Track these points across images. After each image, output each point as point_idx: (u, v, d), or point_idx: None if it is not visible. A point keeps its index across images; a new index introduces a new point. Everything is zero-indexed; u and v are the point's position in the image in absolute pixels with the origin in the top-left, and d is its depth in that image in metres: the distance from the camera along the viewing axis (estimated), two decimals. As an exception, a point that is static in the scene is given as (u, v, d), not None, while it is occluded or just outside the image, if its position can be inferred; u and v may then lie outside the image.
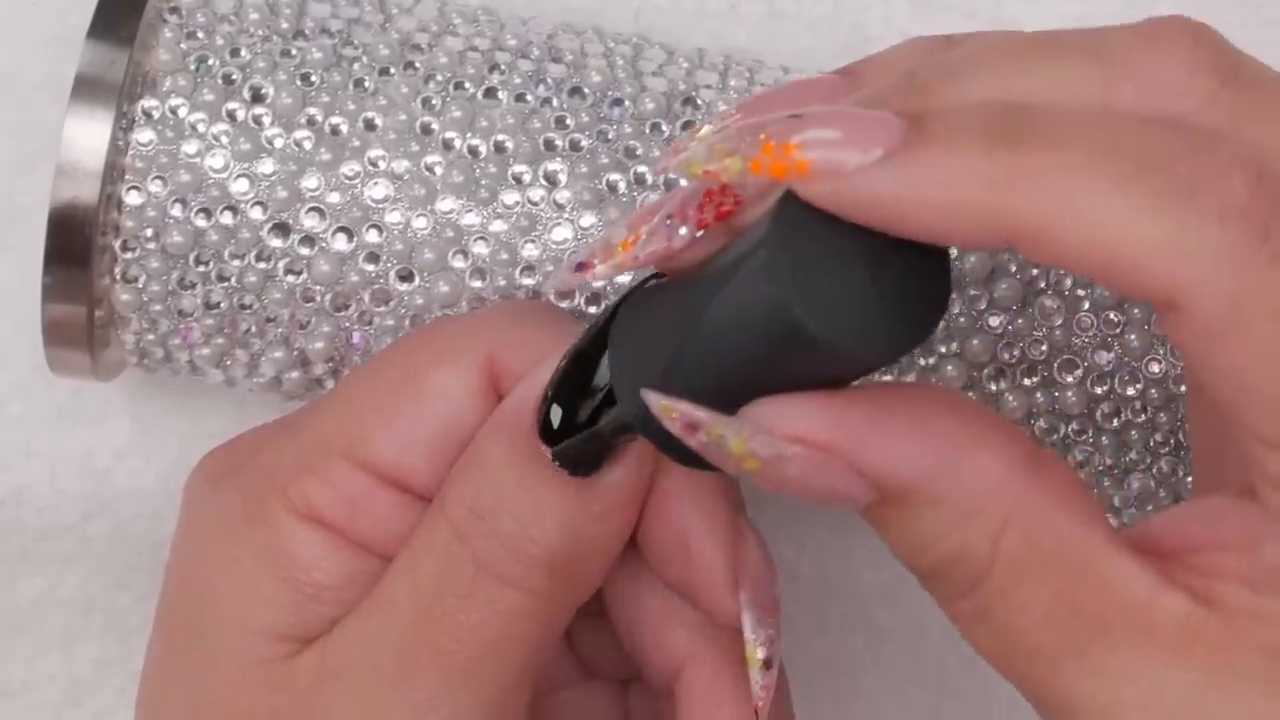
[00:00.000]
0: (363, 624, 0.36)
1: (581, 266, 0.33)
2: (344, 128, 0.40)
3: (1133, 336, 0.41)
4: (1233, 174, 0.28)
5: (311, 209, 0.40)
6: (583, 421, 0.35)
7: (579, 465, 0.36)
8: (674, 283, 0.32)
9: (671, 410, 0.30)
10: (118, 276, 0.40)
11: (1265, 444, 0.28)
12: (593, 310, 0.40)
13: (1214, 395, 0.29)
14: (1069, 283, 0.41)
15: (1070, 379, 0.41)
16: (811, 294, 0.28)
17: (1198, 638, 0.29)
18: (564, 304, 0.40)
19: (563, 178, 0.40)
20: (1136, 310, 0.41)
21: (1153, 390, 0.41)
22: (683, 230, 0.31)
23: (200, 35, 0.41)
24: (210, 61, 0.40)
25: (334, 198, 0.40)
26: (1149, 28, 0.30)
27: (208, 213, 0.40)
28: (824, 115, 0.29)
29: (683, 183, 0.39)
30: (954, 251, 0.31)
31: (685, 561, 0.37)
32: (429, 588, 0.36)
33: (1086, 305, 0.41)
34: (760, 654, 0.37)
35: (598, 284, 0.40)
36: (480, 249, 0.40)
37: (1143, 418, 0.41)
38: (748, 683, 0.37)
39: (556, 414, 0.35)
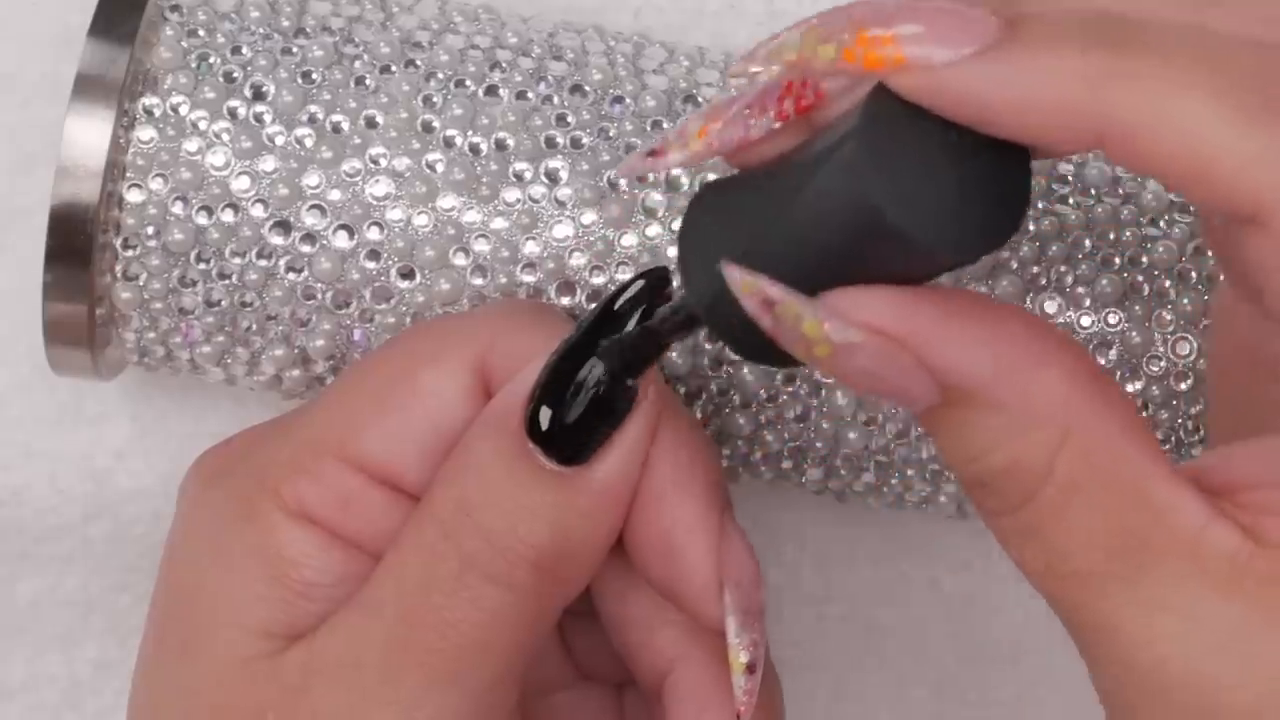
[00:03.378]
0: (350, 621, 0.36)
1: (654, 154, 0.32)
2: (345, 125, 0.40)
3: (1134, 334, 0.41)
4: None
5: (313, 206, 0.40)
6: (580, 419, 0.35)
7: (624, 368, 0.35)
8: (750, 174, 0.32)
9: (751, 285, 0.29)
10: (119, 274, 0.40)
11: None
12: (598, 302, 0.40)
13: None
14: (1070, 280, 0.41)
15: (1071, 376, 0.41)
16: (899, 188, 0.28)
17: (1245, 572, 0.28)
18: (564, 301, 0.40)
19: (564, 175, 0.40)
20: (1137, 308, 0.41)
21: (1154, 388, 0.41)
22: (761, 121, 0.31)
23: (201, 33, 0.41)
24: (211, 59, 0.40)
25: (335, 195, 0.40)
26: None
27: (209, 210, 0.40)
28: (919, 9, 0.29)
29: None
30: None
31: (669, 564, 0.37)
32: (415, 585, 0.36)
33: (1087, 303, 0.41)
34: (743, 658, 0.37)
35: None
36: (481, 246, 0.40)
37: (1143, 416, 0.41)
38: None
39: (545, 414, 0.35)
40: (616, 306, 0.36)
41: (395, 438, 0.37)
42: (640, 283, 0.36)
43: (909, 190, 0.28)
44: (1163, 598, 0.29)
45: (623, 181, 0.40)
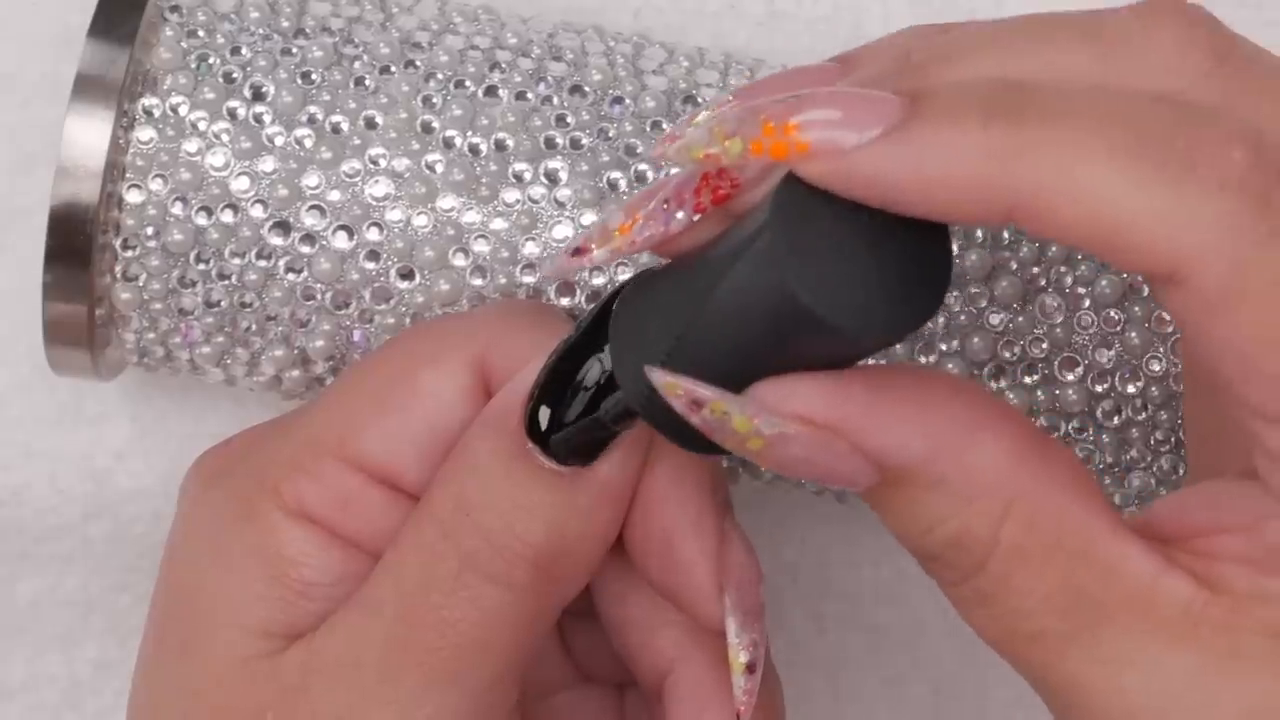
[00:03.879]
0: (349, 621, 0.36)
1: (579, 252, 0.33)
2: (345, 126, 0.40)
3: (1133, 334, 0.41)
4: (1231, 146, 0.28)
5: (312, 207, 0.40)
6: (574, 418, 0.35)
7: (573, 455, 0.36)
8: (675, 267, 0.32)
9: (676, 387, 0.30)
10: (118, 275, 0.40)
11: (1265, 419, 0.28)
12: (597, 281, 0.40)
13: (1213, 370, 0.29)
14: (1069, 280, 0.41)
15: (1071, 377, 0.41)
16: (815, 276, 0.28)
17: (1201, 620, 0.29)
18: (564, 301, 0.40)
19: (563, 176, 0.40)
20: (1137, 308, 0.41)
21: (1153, 388, 0.41)
22: (679, 215, 0.31)
23: (201, 34, 0.41)
24: (211, 60, 0.40)
25: (335, 196, 0.40)
26: (1143, 8, 0.30)
27: (208, 211, 0.40)
28: (823, 95, 0.29)
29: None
30: (954, 246, 0.31)
31: (669, 564, 0.37)
32: (414, 584, 0.36)
33: (1087, 303, 0.41)
34: (743, 658, 0.36)
35: (594, 269, 0.40)
36: (481, 247, 0.40)
37: (1143, 415, 0.41)
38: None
39: (544, 414, 0.36)
40: (615, 306, 0.36)
41: (394, 438, 0.37)
42: (633, 277, 0.36)
43: (825, 277, 0.28)
44: (1123, 653, 0.29)
45: (622, 182, 0.40)
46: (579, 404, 0.35)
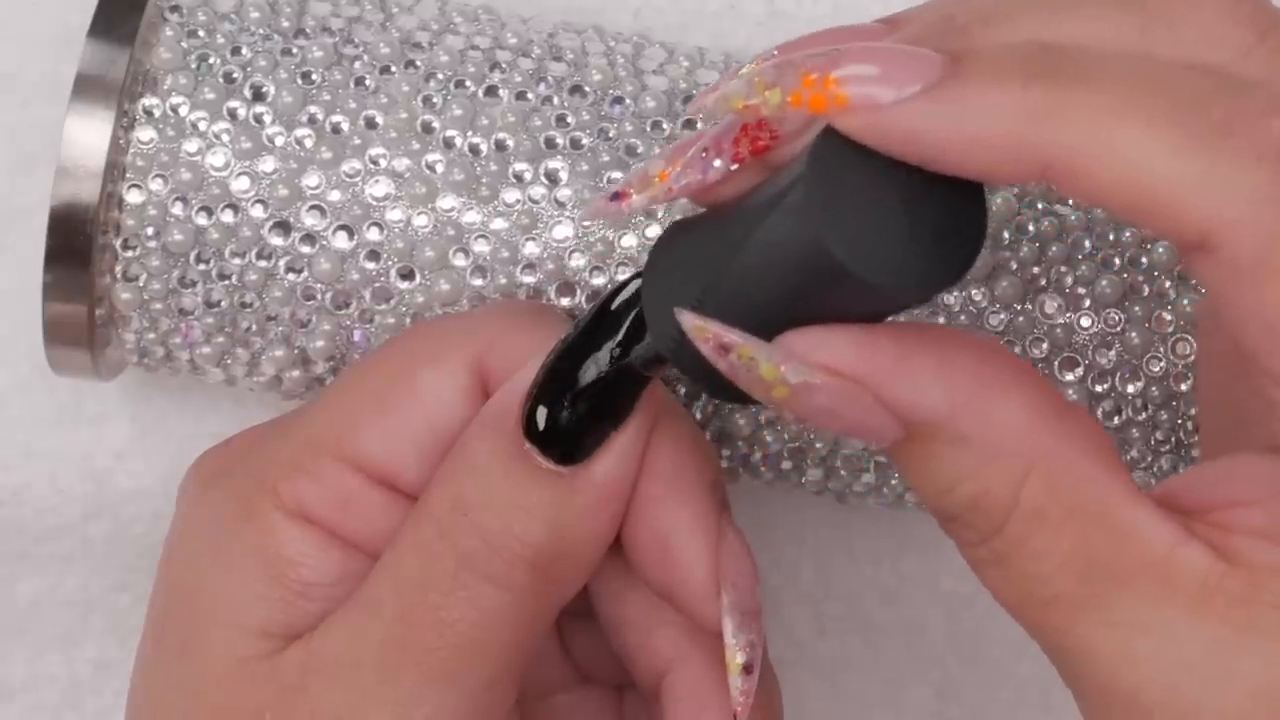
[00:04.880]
0: (347, 621, 0.36)
1: (617, 196, 0.33)
2: (345, 126, 0.40)
3: (1133, 334, 0.41)
4: (1270, 118, 0.28)
5: (312, 207, 0.40)
6: (579, 418, 0.35)
7: (588, 420, 0.36)
8: (711, 216, 0.32)
9: (705, 331, 0.30)
10: (118, 275, 0.40)
11: None
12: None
13: (1239, 340, 0.29)
14: (1070, 280, 0.41)
15: (1071, 377, 0.41)
16: (849, 230, 0.28)
17: (1217, 592, 0.29)
18: (564, 301, 0.40)
19: (564, 176, 0.40)
20: (1137, 309, 0.41)
21: (1153, 388, 0.41)
22: (717, 163, 0.31)
23: (201, 34, 0.41)
24: (211, 60, 0.40)
25: (335, 196, 0.40)
26: None
27: (209, 211, 0.40)
28: (863, 50, 0.29)
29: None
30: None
31: (666, 564, 0.37)
32: (412, 584, 0.36)
33: (1087, 304, 0.41)
34: (740, 659, 0.36)
35: (592, 271, 0.40)
36: (481, 247, 0.40)
37: (1144, 416, 0.41)
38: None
39: (542, 414, 0.36)
40: (613, 306, 0.36)
41: (393, 438, 0.37)
42: (637, 282, 0.36)
43: (858, 232, 0.28)
44: (1137, 620, 0.29)
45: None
46: (581, 402, 0.36)
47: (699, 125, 0.41)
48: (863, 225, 0.29)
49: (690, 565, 0.37)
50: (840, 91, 0.29)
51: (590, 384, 0.35)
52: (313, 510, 0.37)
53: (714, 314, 0.30)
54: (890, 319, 0.31)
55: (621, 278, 0.40)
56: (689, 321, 0.30)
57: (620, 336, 0.35)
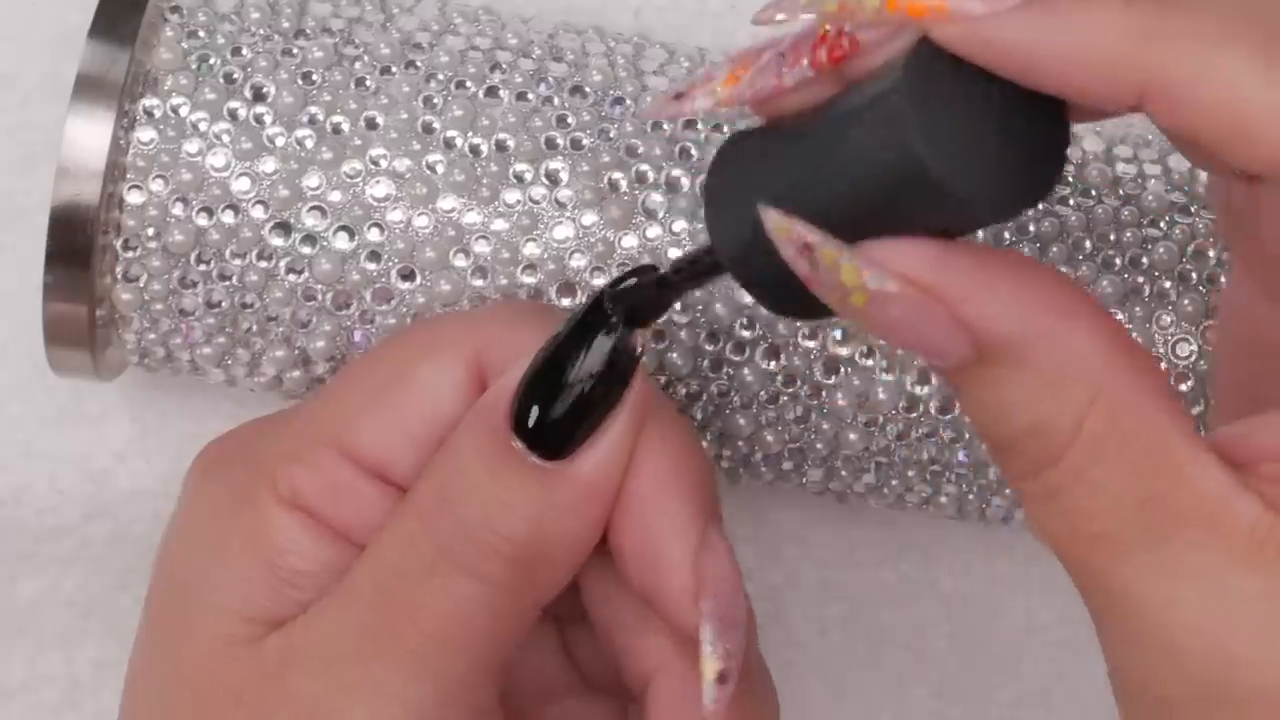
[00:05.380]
0: (327, 610, 0.37)
1: (680, 96, 0.32)
2: (345, 126, 0.40)
3: (1135, 336, 0.41)
4: None
5: (313, 208, 0.40)
6: (569, 411, 0.35)
7: (631, 316, 0.35)
8: (782, 124, 0.32)
9: (789, 229, 0.29)
10: (119, 276, 0.40)
11: None
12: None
13: None
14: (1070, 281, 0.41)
15: (1071, 378, 0.41)
16: (943, 142, 0.28)
17: (1266, 543, 0.28)
18: (565, 301, 0.40)
19: (564, 176, 0.40)
20: (1138, 309, 0.41)
21: (1154, 389, 0.41)
22: (798, 70, 0.31)
23: (201, 34, 0.41)
24: (211, 60, 0.40)
25: (335, 196, 0.40)
26: None
27: (209, 211, 0.40)
28: None
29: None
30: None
31: (649, 566, 0.37)
32: (390, 573, 0.36)
33: (1088, 304, 0.41)
34: (715, 666, 0.36)
35: (593, 271, 0.40)
36: (482, 248, 0.40)
37: (1172, 384, 0.41)
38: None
39: (530, 409, 0.36)
40: (606, 304, 0.36)
41: (388, 429, 0.38)
42: (631, 280, 0.36)
43: (952, 145, 0.28)
44: (1184, 564, 0.29)
45: (623, 183, 0.40)
46: (566, 400, 0.35)
47: (699, 127, 0.41)
48: (957, 139, 0.28)
49: (671, 568, 0.36)
50: (940, 1, 0.28)
51: (579, 379, 0.35)
52: (307, 499, 0.37)
53: (793, 213, 0.30)
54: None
55: (618, 274, 0.40)
56: (774, 219, 0.29)
57: (617, 334, 0.35)
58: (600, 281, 0.40)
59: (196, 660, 0.37)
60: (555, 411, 0.35)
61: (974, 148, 0.29)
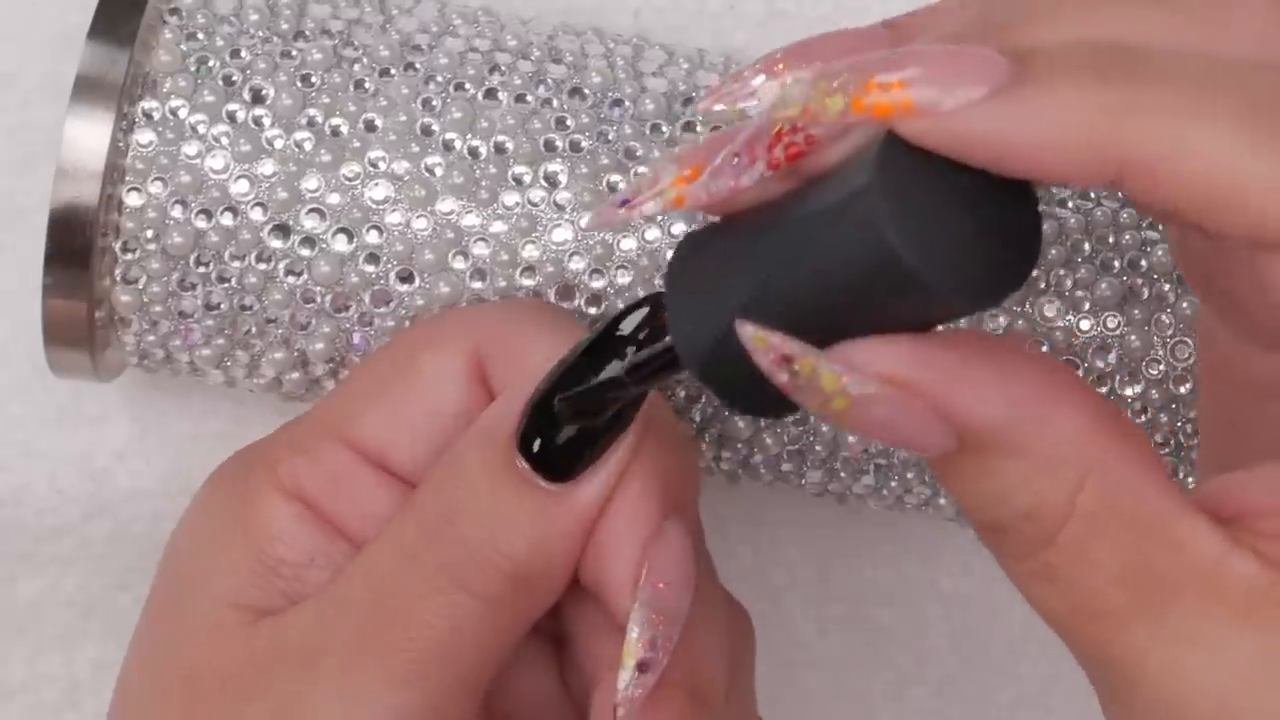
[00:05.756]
0: (322, 609, 0.37)
1: (625, 203, 0.32)
2: (344, 129, 0.40)
3: (1133, 337, 0.41)
4: None
5: (312, 210, 0.40)
6: (574, 437, 0.35)
7: (580, 414, 0.35)
8: (741, 223, 0.31)
9: (765, 340, 0.29)
10: (118, 277, 0.40)
11: None
12: (593, 311, 0.40)
13: None
14: (1069, 284, 0.41)
15: (1070, 380, 0.41)
16: (920, 238, 0.28)
17: (1265, 599, 0.28)
18: (564, 305, 0.40)
19: (563, 178, 0.40)
20: (1136, 311, 0.41)
21: (1153, 391, 0.41)
22: (754, 170, 0.30)
23: (200, 36, 0.41)
24: (210, 63, 0.40)
25: (334, 199, 0.40)
26: None
27: (208, 214, 0.40)
28: (925, 53, 0.28)
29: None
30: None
31: (596, 556, 0.37)
32: (389, 582, 0.36)
33: (1087, 306, 0.41)
34: (637, 653, 0.35)
35: (594, 273, 0.40)
36: (480, 250, 0.40)
37: (1143, 418, 0.41)
38: (657, 709, 0.36)
39: (537, 431, 0.36)
40: (620, 330, 0.35)
41: (388, 415, 0.38)
42: (644, 309, 0.35)
43: (930, 239, 0.28)
44: (1187, 631, 0.29)
45: (622, 184, 0.40)
46: (572, 426, 0.35)
47: (698, 129, 0.41)
48: (933, 233, 0.28)
49: (616, 557, 0.36)
50: (905, 96, 0.28)
51: (588, 408, 0.35)
52: (306, 491, 0.38)
53: (764, 322, 0.29)
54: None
55: (622, 281, 0.40)
56: (750, 332, 0.29)
57: (626, 362, 0.35)
58: (599, 284, 0.40)
59: (185, 643, 0.38)
60: (561, 435, 0.35)
61: (951, 240, 0.28)
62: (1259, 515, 0.29)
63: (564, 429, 0.35)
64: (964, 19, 0.31)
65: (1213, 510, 0.30)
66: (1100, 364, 0.41)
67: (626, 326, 0.35)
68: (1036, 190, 0.30)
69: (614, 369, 0.35)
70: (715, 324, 0.30)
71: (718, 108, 0.31)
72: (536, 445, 0.35)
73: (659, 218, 0.40)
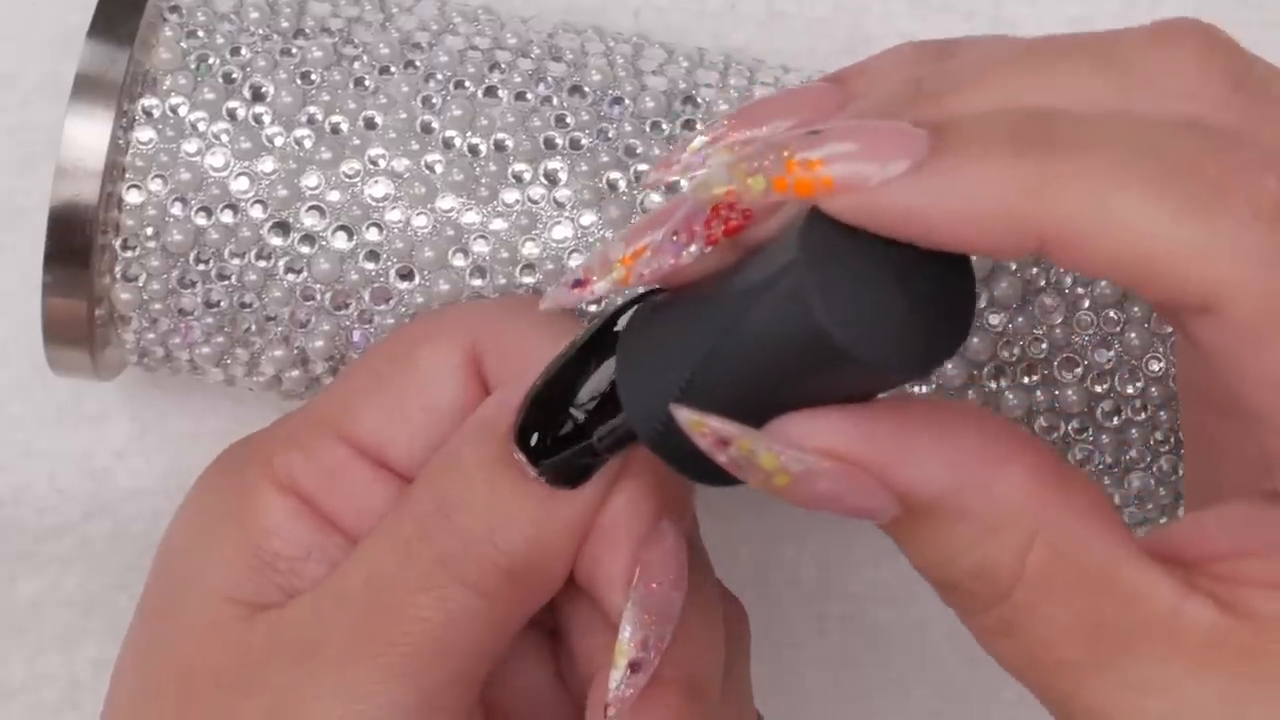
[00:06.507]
0: (317, 603, 0.37)
1: (579, 284, 0.32)
2: (344, 126, 0.40)
3: (1133, 334, 0.41)
4: (1265, 174, 0.27)
5: (312, 207, 0.40)
6: (570, 432, 0.35)
7: (561, 479, 0.36)
8: (685, 297, 0.32)
9: (702, 425, 0.29)
10: (118, 275, 0.40)
11: None
12: (593, 309, 0.40)
13: (1243, 400, 0.28)
14: (1069, 281, 0.41)
15: (1070, 377, 0.41)
16: (846, 313, 0.28)
17: (1225, 645, 0.28)
18: (564, 302, 0.40)
19: (563, 176, 0.40)
20: (1136, 308, 0.41)
21: (1153, 388, 0.41)
22: (692, 248, 0.31)
23: (200, 34, 0.41)
24: (210, 60, 0.40)
25: (334, 196, 0.40)
26: (1159, 31, 0.30)
27: (208, 211, 0.40)
28: (845, 129, 0.29)
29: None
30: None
31: (590, 554, 0.37)
32: (384, 577, 0.36)
33: (1086, 303, 0.41)
34: (629, 653, 0.36)
35: (595, 300, 0.40)
36: (480, 247, 0.40)
37: (1143, 416, 0.41)
38: (652, 706, 0.36)
39: (533, 427, 0.36)
40: (616, 327, 0.35)
41: (384, 409, 0.38)
42: (639, 305, 0.36)
43: (856, 314, 0.28)
44: (1147, 679, 0.29)
45: (621, 182, 0.40)
46: (571, 426, 0.35)
47: (698, 127, 0.41)
48: (860, 307, 0.28)
49: (609, 555, 0.36)
50: (826, 173, 0.28)
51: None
52: (302, 485, 0.38)
53: (701, 400, 0.30)
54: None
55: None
56: (685, 416, 0.29)
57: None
58: (597, 300, 0.40)
59: (180, 639, 0.38)
60: (560, 434, 0.35)
61: (880, 312, 0.28)
62: (1217, 559, 0.30)
63: (564, 429, 0.35)
64: (897, 84, 0.31)
65: (1173, 554, 0.30)
66: (1100, 361, 0.41)
67: (622, 323, 0.35)
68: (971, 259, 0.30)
69: (608, 369, 0.35)
70: (662, 401, 0.30)
71: (670, 179, 0.32)
72: (534, 439, 0.35)
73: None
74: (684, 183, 0.31)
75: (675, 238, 0.31)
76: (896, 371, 0.29)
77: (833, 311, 0.28)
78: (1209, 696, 0.28)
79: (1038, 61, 0.30)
